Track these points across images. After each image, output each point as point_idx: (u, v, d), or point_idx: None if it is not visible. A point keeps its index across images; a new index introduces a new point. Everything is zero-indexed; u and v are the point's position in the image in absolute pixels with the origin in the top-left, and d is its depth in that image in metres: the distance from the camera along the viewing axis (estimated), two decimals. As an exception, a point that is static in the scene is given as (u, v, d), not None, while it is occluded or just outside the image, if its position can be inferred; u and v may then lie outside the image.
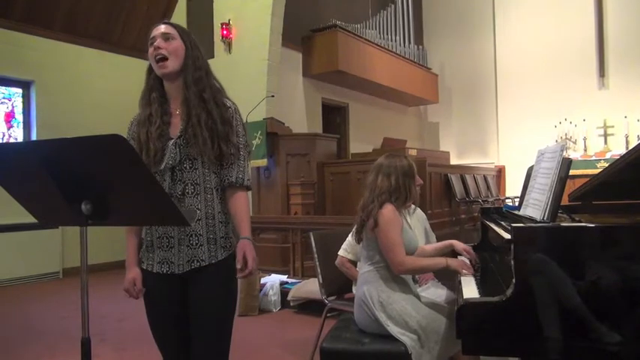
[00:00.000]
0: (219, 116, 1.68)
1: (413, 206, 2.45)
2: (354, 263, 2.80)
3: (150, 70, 1.75)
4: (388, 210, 2.23)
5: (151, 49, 1.69)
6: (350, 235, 2.78)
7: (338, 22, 8.24)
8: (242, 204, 1.72)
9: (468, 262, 2.36)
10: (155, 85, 1.74)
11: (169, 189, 1.66)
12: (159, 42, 1.67)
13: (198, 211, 1.67)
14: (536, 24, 10.38)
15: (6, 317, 4.64)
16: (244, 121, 1.94)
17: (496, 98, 11.06)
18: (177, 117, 1.72)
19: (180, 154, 1.67)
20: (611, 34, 9.78)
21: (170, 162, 1.66)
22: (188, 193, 1.67)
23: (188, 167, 1.68)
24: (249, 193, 1.81)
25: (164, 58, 1.67)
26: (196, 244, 1.66)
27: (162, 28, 1.71)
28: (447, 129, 11.83)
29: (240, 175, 1.72)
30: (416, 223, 2.93)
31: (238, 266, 1.62)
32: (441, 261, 2.30)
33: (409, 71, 10.30)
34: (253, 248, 1.67)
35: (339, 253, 2.87)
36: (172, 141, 1.67)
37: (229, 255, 1.70)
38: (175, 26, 1.74)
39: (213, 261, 1.68)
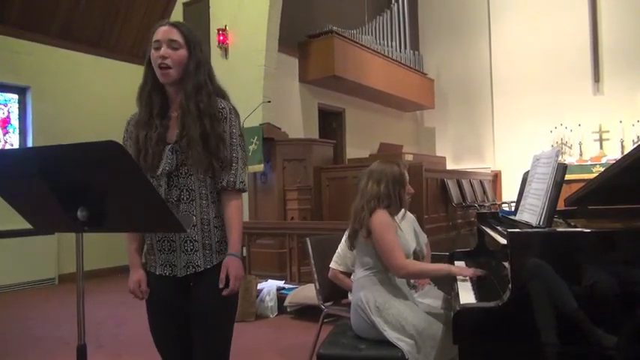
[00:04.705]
0: (212, 130, 1.65)
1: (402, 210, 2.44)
2: (346, 274, 2.80)
3: (149, 64, 1.69)
4: (380, 215, 2.22)
5: (155, 54, 1.65)
6: (340, 247, 2.77)
7: (334, 28, 8.27)
8: (233, 213, 1.70)
9: (472, 270, 2.22)
10: (156, 84, 1.70)
11: (165, 194, 1.65)
12: (165, 50, 1.64)
13: (193, 217, 1.66)
14: (532, 29, 10.44)
15: (2, 324, 4.60)
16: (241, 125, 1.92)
17: (492, 103, 11.10)
18: (175, 120, 1.70)
19: (176, 160, 1.66)
20: (605, 38, 9.84)
21: (167, 168, 1.65)
22: (183, 199, 1.67)
23: (184, 173, 1.67)
24: (246, 197, 1.79)
25: (168, 67, 1.65)
26: (192, 249, 1.67)
27: (169, 32, 1.65)
28: (443, 134, 11.87)
29: (232, 179, 1.69)
30: (406, 226, 2.93)
31: (220, 285, 1.62)
32: (443, 267, 2.26)
33: (405, 76, 10.33)
34: (239, 266, 1.66)
35: (330, 265, 2.86)
36: (169, 146, 1.66)
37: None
38: (181, 30, 1.68)
39: (208, 266, 1.68)
